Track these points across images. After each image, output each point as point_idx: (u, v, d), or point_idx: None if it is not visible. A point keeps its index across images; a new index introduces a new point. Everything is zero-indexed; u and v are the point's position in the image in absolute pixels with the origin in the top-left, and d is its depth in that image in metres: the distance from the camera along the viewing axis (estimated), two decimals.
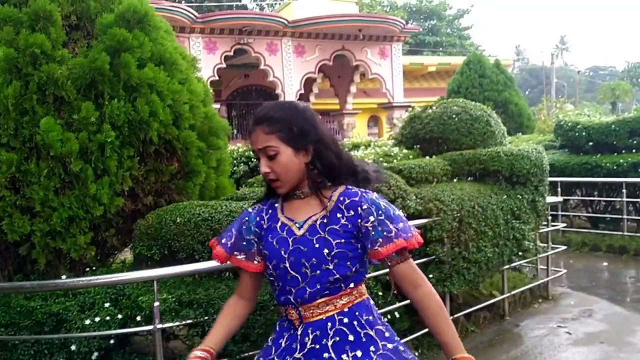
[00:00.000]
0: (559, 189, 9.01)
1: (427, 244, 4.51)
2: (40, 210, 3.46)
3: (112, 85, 3.69)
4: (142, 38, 3.87)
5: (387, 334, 1.86)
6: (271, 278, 1.90)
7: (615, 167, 8.91)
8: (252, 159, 8.40)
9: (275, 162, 1.80)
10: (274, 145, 1.79)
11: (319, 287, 1.79)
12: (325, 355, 1.76)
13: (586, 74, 72.21)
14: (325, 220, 1.81)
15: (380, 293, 4.03)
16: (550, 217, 6.51)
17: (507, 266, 5.38)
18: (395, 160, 5.28)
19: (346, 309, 1.82)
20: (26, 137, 3.48)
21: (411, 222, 4.43)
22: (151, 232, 3.59)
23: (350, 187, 1.87)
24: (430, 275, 4.43)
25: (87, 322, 3.21)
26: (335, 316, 1.81)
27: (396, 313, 4.22)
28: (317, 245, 1.78)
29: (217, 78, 15.42)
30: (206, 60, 14.44)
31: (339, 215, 1.82)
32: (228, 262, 2.00)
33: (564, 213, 9.47)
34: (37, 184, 3.45)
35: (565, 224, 8.04)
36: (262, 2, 34.60)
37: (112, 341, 3.31)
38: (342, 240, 1.79)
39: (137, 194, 3.90)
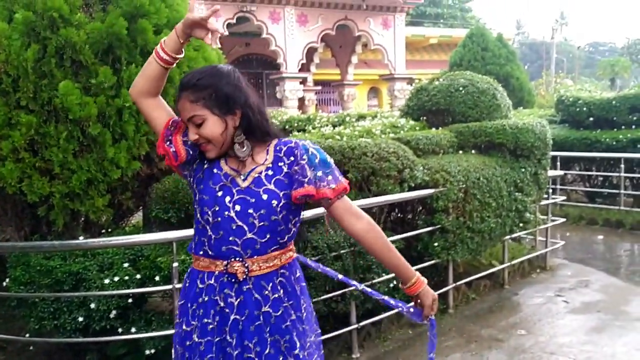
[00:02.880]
0: (558, 163, 9.11)
1: (433, 213, 4.62)
2: (59, 172, 3.54)
3: (129, 51, 3.74)
4: (158, 4, 3.91)
5: (304, 291, 2.00)
6: (207, 226, 1.85)
7: (614, 143, 8.99)
8: None
9: (203, 128, 1.81)
10: (199, 114, 1.80)
11: (269, 236, 1.83)
12: (265, 307, 1.84)
13: (586, 49, 71.85)
14: (269, 172, 1.85)
15: None
16: (550, 190, 6.62)
17: (508, 237, 5.51)
18: (402, 132, 5.36)
19: (287, 264, 1.92)
20: (45, 100, 3.54)
21: (418, 192, 4.55)
22: (168, 195, 3.69)
23: (281, 139, 1.93)
24: (436, 244, 4.55)
25: (107, 281, 3.33)
26: (279, 270, 1.89)
27: None
28: (264, 197, 1.82)
29: (219, 46, 15.34)
30: None
31: (280, 164, 1.86)
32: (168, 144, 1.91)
33: (562, 187, 9.59)
34: (56, 146, 3.52)
35: (564, 198, 8.16)
36: None
37: (130, 300, 3.42)
38: (288, 191, 1.84)
39: (153, 159, 3.98)
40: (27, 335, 3.77)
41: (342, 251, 3.82)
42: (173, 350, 1.99)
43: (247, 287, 1.84)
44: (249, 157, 1.87)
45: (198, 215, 1.88)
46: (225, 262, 1.83)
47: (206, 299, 1.86)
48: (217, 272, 1.86)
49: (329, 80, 21.39)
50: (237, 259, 1.83)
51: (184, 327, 1.91)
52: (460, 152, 5.34)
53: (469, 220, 4.79)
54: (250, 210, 1.81)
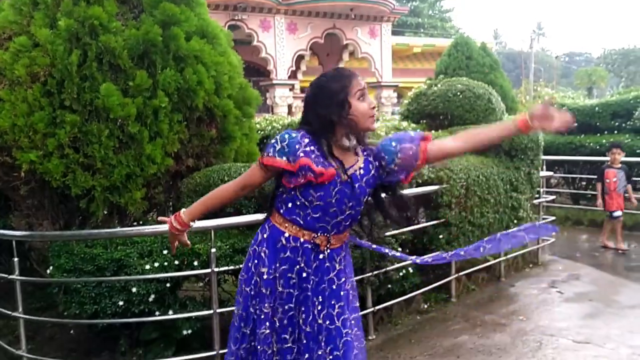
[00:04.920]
0: (544, 166, 9.51)
1: (437, 208, 4.96)
2: (100, 167, 3.81)
3: (163, 56, 4.03)
4: (188, 13, 4.21)
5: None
6: (308, 204, 2.17)
7: (597, 147, 9.46)
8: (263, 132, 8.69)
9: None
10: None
11: (349, 222, 2.26)
12: (332, 275, 2.25)
13: (562, 59, 73.29)
14: (361, 171, 2.23)
15: (399, 249, 4.47)
16: (541, 190, 7.00)
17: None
18: None
19: (347, 240, 2.36)
20: (87, 101, 3.81)
21: (425, 188, 4.87)
22: (199, 189, 3.97)
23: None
24: (440, 236, 4.89)
25: (147, 267, 3.59)
26: (343, 245, 2.33)
27: (410, 269, 4.67)
28: (358, 192, 2.21)
29: None
30: None
31: (370, 166, 2.26)
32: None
33: (547, 189, 10.00)
34: (98, 143, 3.79)
35: (553, 197, 8.55)
36: None
37: (167, 284, 3.69)
38: (372, 189, 2.28)
39: (181, 156, 4.27)
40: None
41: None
42: (238, 291, 2.34)
43: (323, 256, 2.24)
44: (352, 152, 2.23)
45: (298, 193, 2.18)
46: (313, 235, 2.22)
47: (290, 256, 2.22)
48: (302, 240, 2.22)
49: None
50: (324, 234, 2.22)
51: (262, 270, 2.23)
52: None
53: (470, 215, 5.14)
54: (346, 200, 2.20)
